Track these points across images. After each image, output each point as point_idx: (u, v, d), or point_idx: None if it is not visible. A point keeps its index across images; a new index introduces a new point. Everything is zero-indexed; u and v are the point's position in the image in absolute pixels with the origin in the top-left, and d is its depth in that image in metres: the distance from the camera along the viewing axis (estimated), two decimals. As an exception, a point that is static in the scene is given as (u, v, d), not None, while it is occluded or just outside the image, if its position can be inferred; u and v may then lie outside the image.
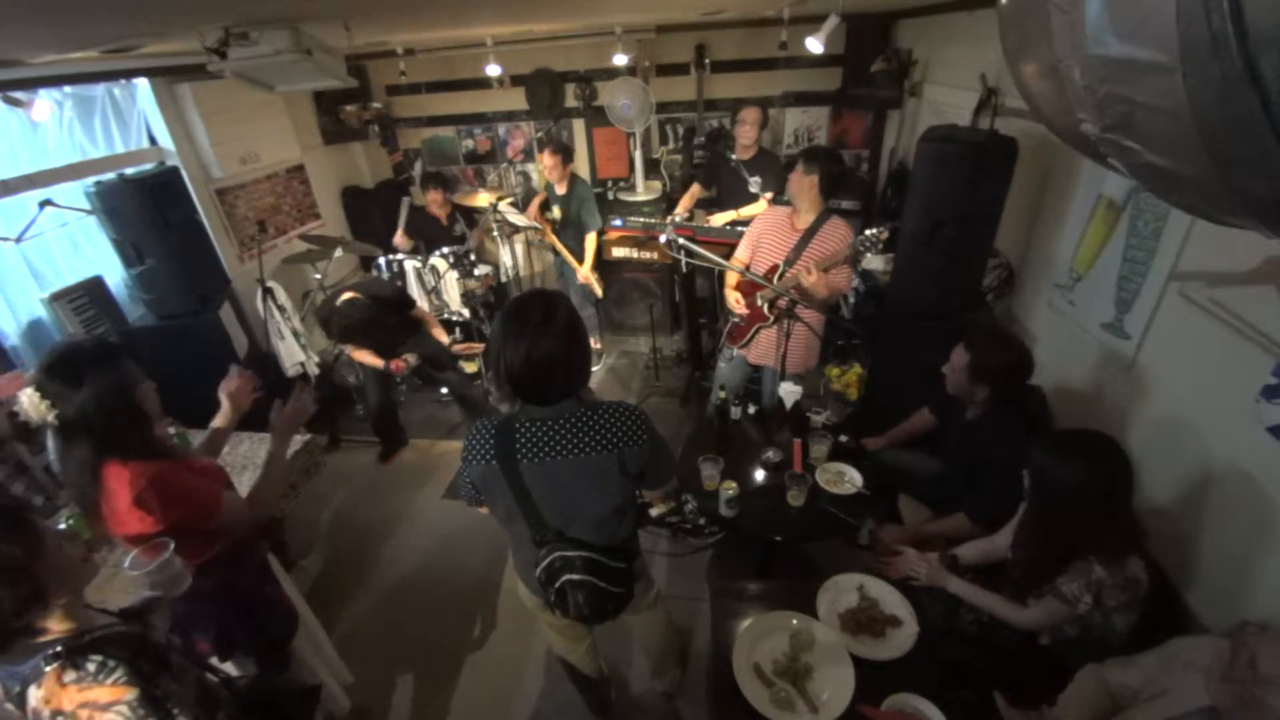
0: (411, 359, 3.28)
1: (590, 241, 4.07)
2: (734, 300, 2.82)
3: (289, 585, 1.96)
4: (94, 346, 1.40)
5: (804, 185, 2.50)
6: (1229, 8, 0.44)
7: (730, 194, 3.87)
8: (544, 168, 3.95)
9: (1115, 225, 2.04)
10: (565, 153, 3.92)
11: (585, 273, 4.09)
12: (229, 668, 1.66)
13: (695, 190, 4.04)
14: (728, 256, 2.79)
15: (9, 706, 1.01)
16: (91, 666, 0.98)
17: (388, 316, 3.12)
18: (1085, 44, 0.60)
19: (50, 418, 1.33)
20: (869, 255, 3.06)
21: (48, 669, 0.97)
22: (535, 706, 2.27)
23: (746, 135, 3.64)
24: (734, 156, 3.63)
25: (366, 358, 3.23)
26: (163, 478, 1.42)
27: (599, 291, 4.21)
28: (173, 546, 1.31)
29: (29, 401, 1.32)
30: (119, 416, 1.39)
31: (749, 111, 3.63)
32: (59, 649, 0.98)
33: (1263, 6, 0.43)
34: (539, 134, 5.06)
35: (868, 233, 2.35)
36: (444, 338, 3.43)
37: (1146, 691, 1.27)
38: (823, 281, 2.42)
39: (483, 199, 4.37)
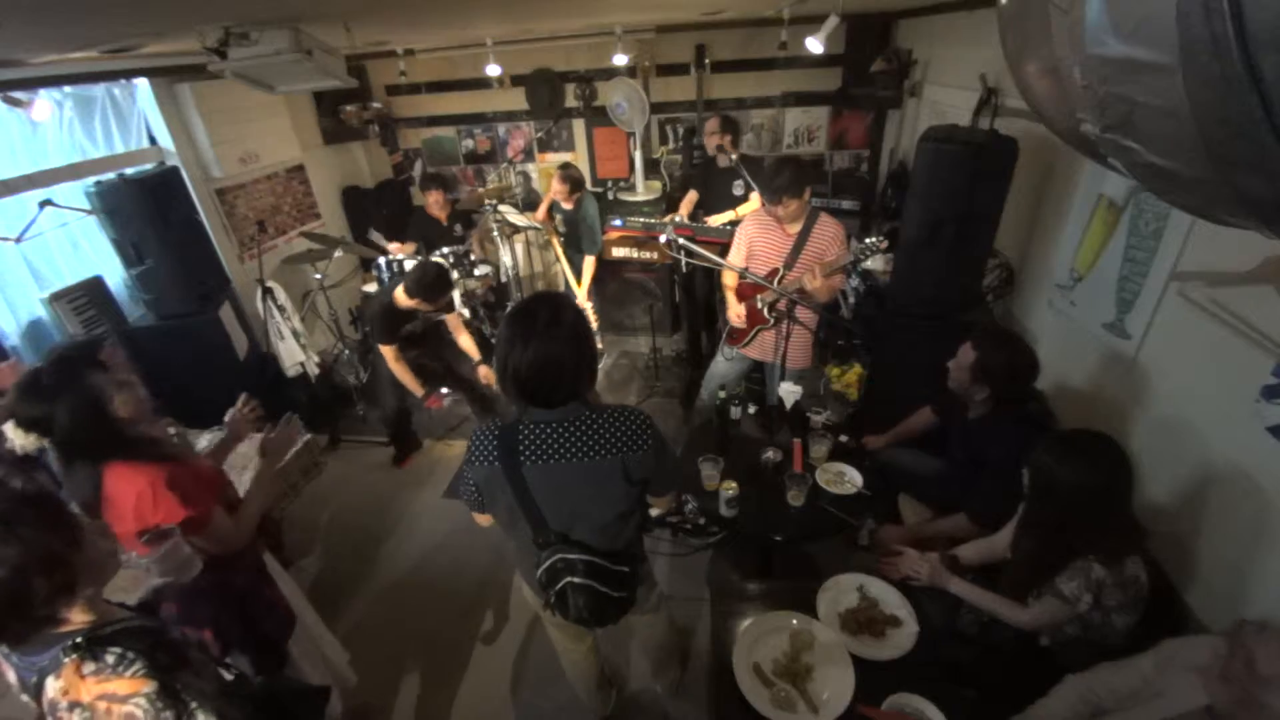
0: (448, 401, 3.28)
1: (588, 266, 4.10)
2: (735, 315, 2.84)
3: (288, 585, 1.96)
4: (53, 364, 1.40)
5: (800, 205, 2.51)
6: (1229, 8, 0.44)
7: (716, 197, 3.89)
8: (554, 193, 4.00)
9: (1116, 225, 2.04)
10: (573, 183, 3.94)
11: (582, 298, 4.13)
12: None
13: (692, 196, 4.03)
14: (726, 256, 2.80)
15: (25, 698, 1.02)
16: (110, 658, 0.99)
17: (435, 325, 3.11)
18: (1085, 44, 0.60)
19: (44, 444, 1.35)
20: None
21: (66, 660, 0.97)
22: (536, 705, 2.27)
23: (711, 144, 3.74)
24: (732, 158, 3.63)
25: (405, 376, 3.12)
26: (163, 481, 1.42)
27: (594, 322, 4.21)
28: (178, 533, 1.32)
29: (14, 434, 1.33)
30: (100, 423, 1.39)
31: (709, 124, 3.75)
32: (78, 640, 0.99)
33: (1263, 6, 0.43)
34: (539, 134, 5.07)
35: (867, 241, 2.35)
36: (472, 348, 3.29)
37: (1143, 694, 1.27)
38: (825, 286, 2.47)
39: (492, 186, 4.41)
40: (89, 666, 0.97)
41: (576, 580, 1.38)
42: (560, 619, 1.54)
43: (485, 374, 3.28)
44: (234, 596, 1.63)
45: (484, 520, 1.54)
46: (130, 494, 1.38)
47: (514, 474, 1.33)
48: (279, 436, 1.83)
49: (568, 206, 4.04)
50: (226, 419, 1.87)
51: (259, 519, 1.70)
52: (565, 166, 3.97)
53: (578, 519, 1.39)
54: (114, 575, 1.16)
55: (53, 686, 0.97)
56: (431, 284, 2.83)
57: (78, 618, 1.04)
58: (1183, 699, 1.17)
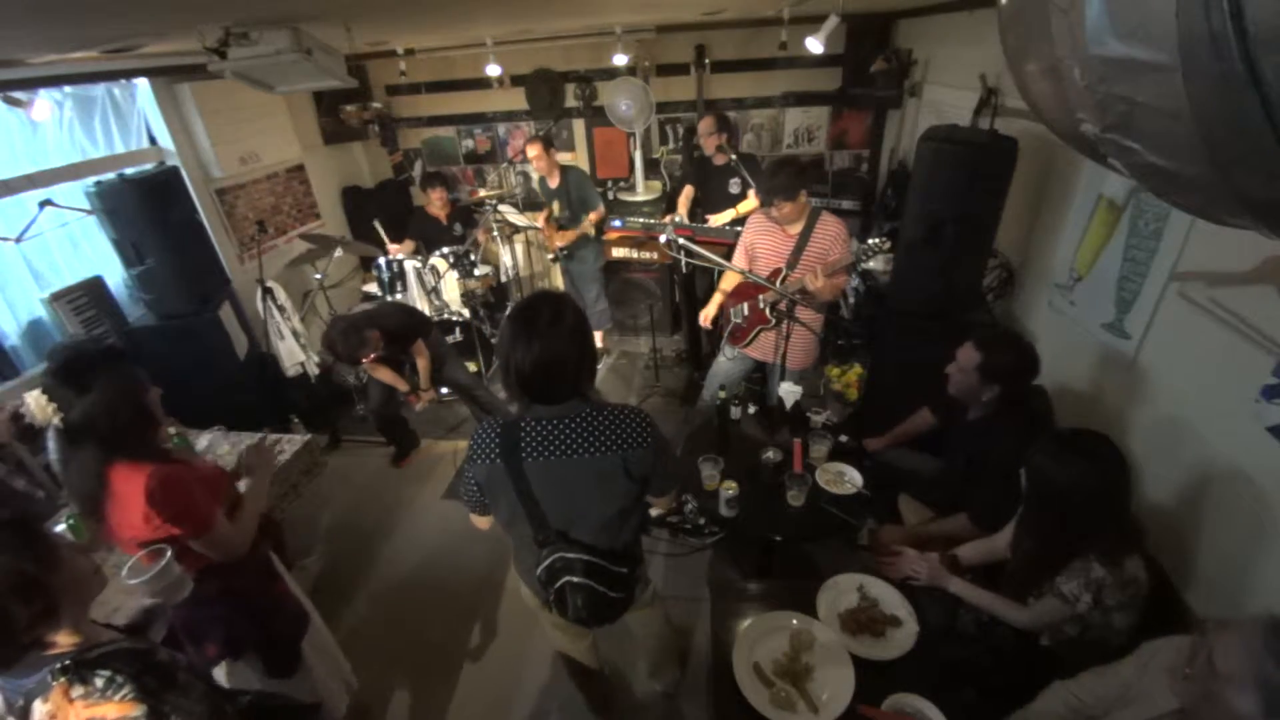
0: (431, 395, 3.34)
1: (591, 216, 4.02)
2: (704, 318, 2.94)
3: (293, 585, 1.96)
4: (101, 350, 1.41)
5: (796, 207, 2.52)
6: (1229, 7, 0.44)
7: (713, 196, 3.87)
8: (530, 159, 3.93)
9: (1115, 225, 2.04)
10: (546, 140, 3.90)
11: (570, 235, 4.06)
12: (222, 676, 1.66)
13: (689, 192, 4.03)
14: (727, 257, 2.80)
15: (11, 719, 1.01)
16: (99, 682, 0.98)
17: (393, 347, 3.12)
18: (1085, 44, 0.59)
19: (56, 420, 1.34)
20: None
21: (54, 684, 0.96)
22: (536, 705, 2.27)
23: (709, 146, 3.71)
24: (732, 158, 3.63)
25: (387, 376, 3.20)
26: (172, 481, 1.42)
27: (551, 247, 4.19)
28: (170, 553, 1.31)
29: (35, 404, 1.32)
30: (126, 419, 1.39)
31: (703, 124, 3.71)
32: (66, 663, 0.98)
33: (1263, 6, 0.43)
34: (539, 133, 5.06)
35: (870, 242, 2.35)
36: (424, 376, 3.29)
37: (1124, 699, 1.26)
38: (829, 285, 2.46)
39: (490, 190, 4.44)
40: (77, 690, 0.96)
41: (575, 579, 1.38)
42: (559, 618, 1.55)
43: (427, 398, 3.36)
44: (243, 598, 1.63)
45: (483, 524, 1.54)
46: (139, 494, 1.38)
47: (516, 470, 1.33)
48: (260, 453, 1.82)
49: (553, 184, 4.02)
50: (242, 452, 1.85)
51: (256, 526, 1.69)
52: (535, 137, 3.92)
53: (578, 516, 1.39)
54: (99, 593, 1.15)
55: (40, 710, 0.96)
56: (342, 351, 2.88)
57: (64, 640, 1.03)
58: (1158, 702, 1.16)
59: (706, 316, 2.95)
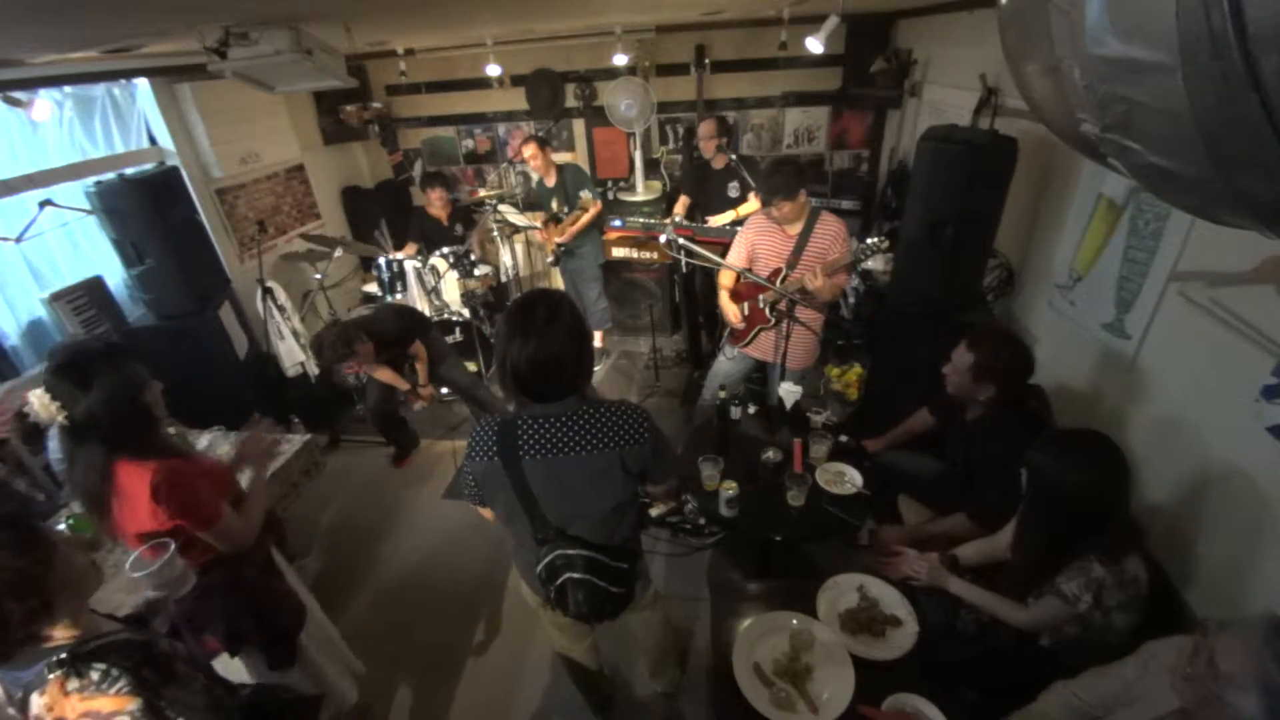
0: (430, 393, 3.33)
1: (590, 205, 3.99)
2: (732, 315, 2.84)
3: (294, 579, 1.97)
4: (102, 347, 1.41)
5: (796, 207, 2.51)
6: (1229, 6, 0.44)
7: (711, 200, 3.85)
8: (526, 160, 3.95)
9: (1115, 225, 2.04)
10: (541, 140, 3.91)
11: (568, 225, 4.00)
12: (231, 666, 1.66)
13: (684, 201, 4.00)
14: (726, 256, 2.80)
15: (11, 711, 1.01)
16: (95, 675, 0.98)
17: (389, 351, 3.11)
18: (1085, 44, 0.59)
19: (60, 418, 1.34)
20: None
21: (51, 676, 0.96)
22: (536, 705, 2.27)
23: (709, 149, 3.69)
24: (733, 158, 3.63)
25: (386, 376, 3.19)
26: (177, 474, 1.43)
27: (549, 249, 4.17)
28: (174, 547, 1.32)
29: (39, 403, 1.32)
30: (129, 416, 1.40)
31: (703, 126, 3.68)
32: (62, 656, 0.98)
33: (1263, 5, 0.43)
34: (539, 133, 5.06)
35: (869, 241, 2.36)
36: (423, 374, 3.30)
37: (1123, 698, 1.27)
38: (828, 285, 2.46)
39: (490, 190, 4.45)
40: (73, 683, 0.96)
41: (576, 576, 1.39)
42: (560, 617, 1.55)
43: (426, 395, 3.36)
44: (245, 591, 1.63)
45: (488, 513, 1.54)
46: (144, 489, 1.39)
47: (513, 468, 1.34)
48: (260, 445, 1.81)
49: (550, 183, 4.01)
50: (239, 440, 1.87)
51: (262, 519, 1.70)
52: (530, 137, 3.93)
53: (576, 513, 1.39)
54: (96, 588, 1.15)
55: (37, 703, 0.96)
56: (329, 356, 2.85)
57: (61, 633, 1.03)
58: (1159, 702, 1.16)
59: (735, 314, 2.84)
